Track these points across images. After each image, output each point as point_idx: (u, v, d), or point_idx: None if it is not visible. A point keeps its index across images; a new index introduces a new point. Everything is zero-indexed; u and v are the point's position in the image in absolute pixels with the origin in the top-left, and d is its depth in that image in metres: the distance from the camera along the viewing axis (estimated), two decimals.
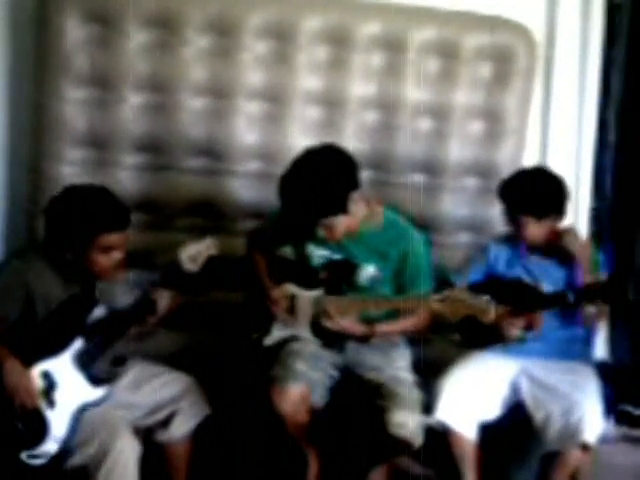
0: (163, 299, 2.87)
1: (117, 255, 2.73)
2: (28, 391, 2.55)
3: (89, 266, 2.71)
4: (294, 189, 2.83)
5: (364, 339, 3.05)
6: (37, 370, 2.61)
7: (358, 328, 2.98)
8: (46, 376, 2.62)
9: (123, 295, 3.01)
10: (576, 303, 2.95)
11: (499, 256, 3.21)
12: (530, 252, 3.15)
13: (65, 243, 2.68)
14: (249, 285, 3.23)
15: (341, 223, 2.92)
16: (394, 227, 3.05)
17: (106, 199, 2.73)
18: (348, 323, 2.96)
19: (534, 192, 3.05)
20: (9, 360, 2.53)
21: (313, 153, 2.89)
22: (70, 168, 3.57)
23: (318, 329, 3.03)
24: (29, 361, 2.59)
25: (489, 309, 2.74)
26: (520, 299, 2.99)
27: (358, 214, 2.97)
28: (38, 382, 2.60)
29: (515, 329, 3.03)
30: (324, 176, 2.81)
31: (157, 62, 3.58)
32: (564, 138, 4.02)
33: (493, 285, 3.03)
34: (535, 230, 3.06)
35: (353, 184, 2.89)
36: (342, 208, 2.87)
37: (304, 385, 2.95)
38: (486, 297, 2.74)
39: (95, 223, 2.65)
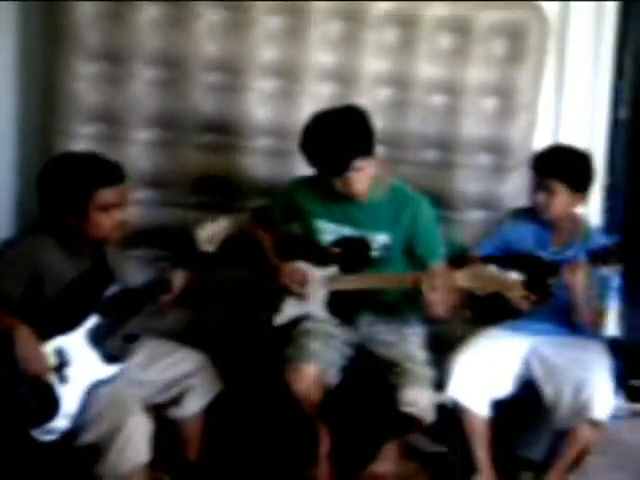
0: (178, 278, 2.88)
1: (118, 215, 2.70)
2: (40, 360, 2.53)
3: (92, 230, 2.68)
4: (325, 133, 2.86)
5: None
6: (50, 346, 2.59)
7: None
8: (59, 352, 2.61)
9: (135, 272, 3.01)
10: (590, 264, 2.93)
11: (514, 230, 3.21)
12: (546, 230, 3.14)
13: (64, 208, 2.65)
14: (256, 264, 3.23)
15: (370, 170, 2.92)
16: (401, 194, 3.07)
17: (97, 158, 2.73)
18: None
19: (574, 162, 3.05)
20: (21, 328, 2.50)
21: (329, 109, 2.94)
22: (81, 144, 3.55)
23: (334, 307, 3.04)
24: (42, 337, 2.57)
25: (517, 285, 2.74)
26: (533, 272, 2.98)
27: (373, 177, 2.97)
28: (51, 358, 2.59)
29: (527, 301, 3.02)
30: (352, 117, 2.89)
31: (169, 37, 3.57)
32: (577, 115, 3.99)
33: (508, 258, 3.03)
34: (561, 201, 3.03)
35: (372, 125, 2.93)
36: (370, 148, 2.91)
37: (319, 365, 2.96)
38: (514, 273, 2.73)
39: (90, 180, 2.64)
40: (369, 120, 2.93)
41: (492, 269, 2.77)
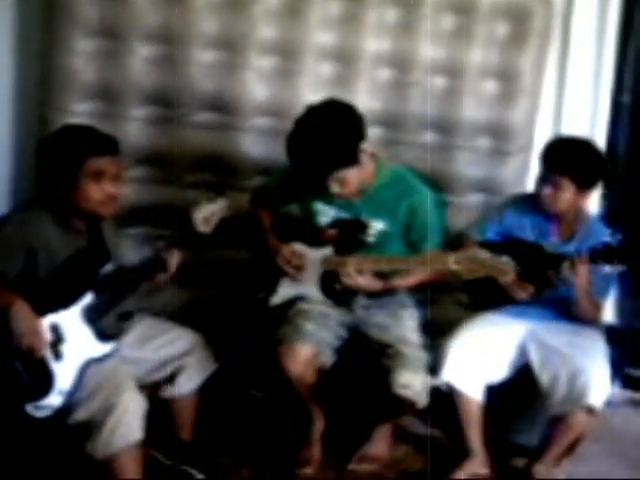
0: (174, 258, 2.86)
1: (110, 187, 2.67)
2: (36, 334, 2.52)
3: (82, 201, 2.65)
4: (303, 145, 2.81)
5: (376, 294, 3.05)
6: (46, 322, 2.58)
7: (376, 284, 2.98)
8: (55, 329, 2.60)
9: (131, 251, 3.00)
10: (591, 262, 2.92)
11: (515, 218, 3.18)
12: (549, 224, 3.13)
13: (55, 176, 2.65)
14: (254, 243, 3.22)
15: (354, 176, 2.90)
16: (401, 182, 3.04)
17: (92, 129, 2.73)
18: (366, 280, 2.95)
19: (585, 160, 3.01)
20: (17, 303, 2.49)
21: (317, 108, 2.86)
22: (78, 120, 3.50)
23: (327, 288, 3.03)
24: (38, 314, 2.55)
25: (509, 270, 2.72)
26: (533, 261, 2.96)
27: (366, 170, 2.94)
28: (46, 334, 2.57)
29: (524, 291, 3.01)
30: (331, 128, 2.79)
31: (167, 13, 3.52)
32: (579, 99, 3.96)
33: (508, 246, 3.01)
34: (568, 197, 3.00)
35: (361, 135, 2.87)
36: (353, 159, 2.85)
37: (313, 345, 2.96)
38: (505, 258, 2.71)
39: (81, 147, 2.64)
40: (355, 125, 2.86)
41: (483, 253, 2.75)
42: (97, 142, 2.67)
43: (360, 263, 2.94)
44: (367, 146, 2.91)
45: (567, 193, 2.99)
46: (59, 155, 2.65)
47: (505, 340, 3.14)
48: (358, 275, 2.92)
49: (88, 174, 2.63)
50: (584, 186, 3.01)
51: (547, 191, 3.02)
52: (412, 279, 3.03)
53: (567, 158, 2.99)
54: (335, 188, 2.90)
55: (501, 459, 3.24)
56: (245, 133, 3.69)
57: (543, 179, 3.04)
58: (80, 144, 2.65)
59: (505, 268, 2.72)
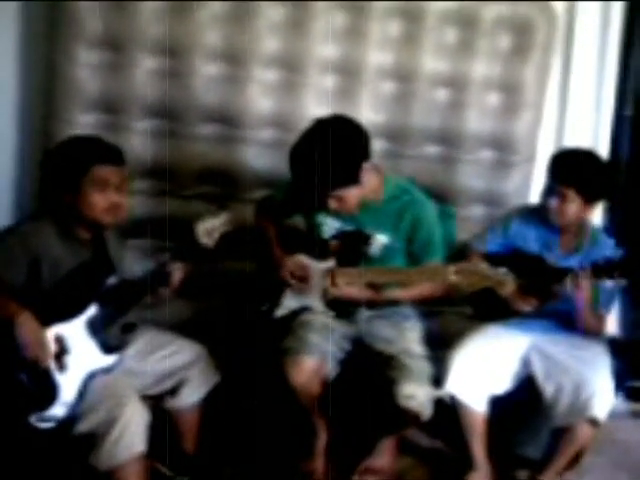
0: (177, 271, 2.86)
1: (113, 196, 2.69)
2: (41, 345, 2.52)
3: (86, 209, 2.67)
4: (304, 160, 2.80)
5: (372, 304, 3.05)
6: (51, 333, 2.58)
7: (364, 293, 2.98)
8: (59, 340, 2.61)
9: (134, 262, 2.99)
10: (594, 277, 2.91)
11: (519, 229, 3.18)
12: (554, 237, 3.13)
13: (60, 183, 2.67)
14: (259, 255, 3.22)
15: (353, 194, 2.89)
16: (404, 195, 3.03)
17: (98, 139, 2.77)
18: (354, 290, 2.95)
19: (593, 173, 3.00)
20: (22, 313, 2.49)
21: (323, 123, 2.84)
22: (82, 132, 3.53)
23: (331, 300, 3.03)
24: (43, 324, 2.55)
25: (508, 282, 2.71)
26: (536, 274, 2.96)
27: (370, 185, 2.94)
28: (51, 345, 2.57)
29: (527, 304, 3.01)
30: (334, 147, 2.76)
31: (171, 26, 3.53)
32: (582, 111, 3.98)
33: (511, 258, 3.01)
34: (574, 209, 3.00)
35: (364, 154, 2.86)
36: (353, 179, 2.84)
37: (317, 357, 2.95)
38: (504, 269, 2.71)
39: (86, 155, 2.67)
40: (360, 145, 2.84)
41: (481, 265, 2.74)
42: (102, 151, 2.70)
43: (360, 275, 2.95)
44: (370, 163, 2.90)
45: (573, 205, 2.99)
46: (65, 163, 2.68)
47: (509, 352, 3.14)
48: (345, 286, 2.92)
49: (93, 182, 2.65)
50: (590, 198, 3.01)
51: (553, 203, 3.01)
52: (412, 291, 3.03)
53: (574, 170, 2.99)
54: (333, 204, 2.90)
55: (505, 471, 3.23)
56: (248, 145, 3.70)
57: (549, 190, 3.04)
58: (86, 152, 2.68)
59: (504, 279, 2.71)
